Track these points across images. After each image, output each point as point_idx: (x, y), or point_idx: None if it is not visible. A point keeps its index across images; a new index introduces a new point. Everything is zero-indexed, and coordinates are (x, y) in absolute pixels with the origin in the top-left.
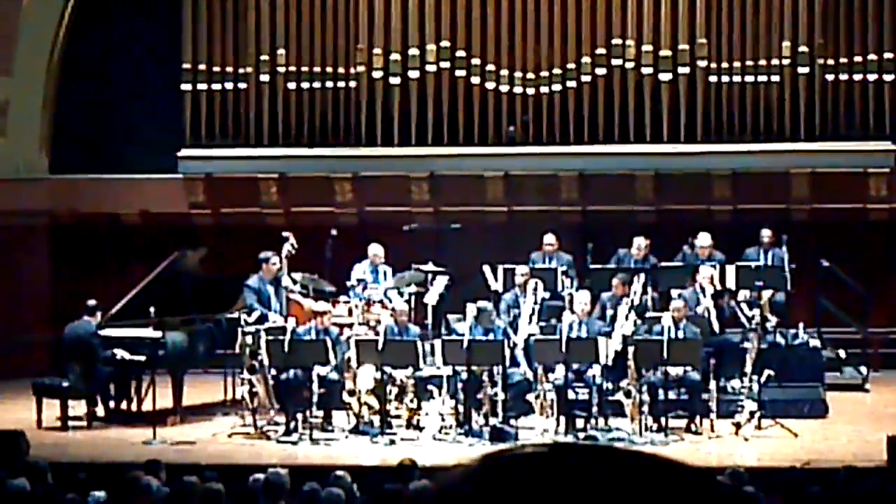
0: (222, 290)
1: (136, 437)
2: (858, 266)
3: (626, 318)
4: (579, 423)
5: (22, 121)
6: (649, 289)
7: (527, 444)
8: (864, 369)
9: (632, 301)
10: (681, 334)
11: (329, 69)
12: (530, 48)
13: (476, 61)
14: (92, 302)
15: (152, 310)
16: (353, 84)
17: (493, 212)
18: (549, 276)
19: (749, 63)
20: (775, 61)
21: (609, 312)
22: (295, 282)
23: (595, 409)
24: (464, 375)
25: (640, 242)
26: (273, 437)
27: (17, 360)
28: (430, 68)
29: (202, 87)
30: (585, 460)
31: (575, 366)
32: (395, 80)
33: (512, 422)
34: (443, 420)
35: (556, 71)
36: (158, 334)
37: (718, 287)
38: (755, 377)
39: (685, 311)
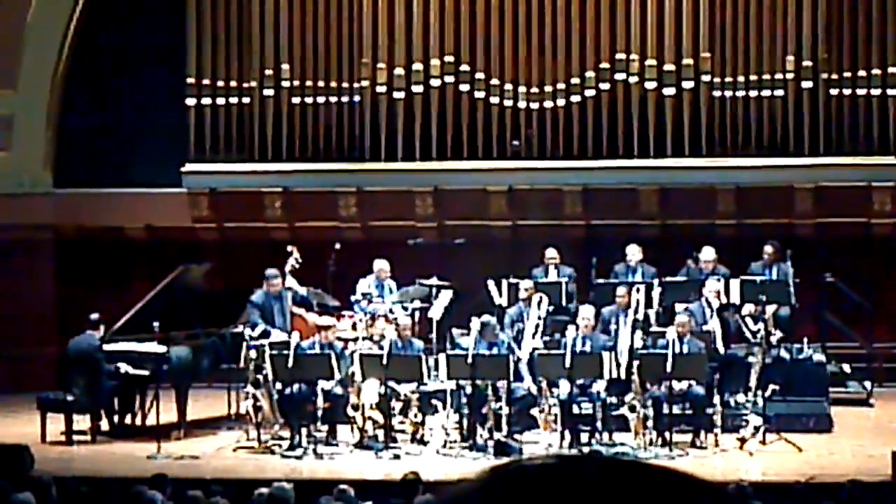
0: (226, 305)
1: (140, 452)
2: (863, 280)
3: (634, 329)
4: (584, 437)
5: (26, 135)
6: (654, 303)
7: (534, 457)
8: (868, 384)
9: (635, 312)
10: (685, 349)
11: (333, 84)
12: (534, 63)
13: (480, 76)
14: (94, 315)
15: (156, 324)
16: (357, 98)
17: (497, 226)
18: (553, 290)
19: (753, 77)
20: (779, 75)
21: (613, 327)
22: (299, 295)
23: (599, 423)
24: (468, 390)
25: (632, 250)
26: (277, 451)
27: (22, 375)
28: (434, 83)
29: (206, 101)
30: (592, 472)
31: (579, 380)
32: (399, 95)
33: (516, 436)
34: (447, 434)
35: (560, 85)
36: (163, 349)
37: (724, 301)
38: (760, 392)
39: (689, 325)
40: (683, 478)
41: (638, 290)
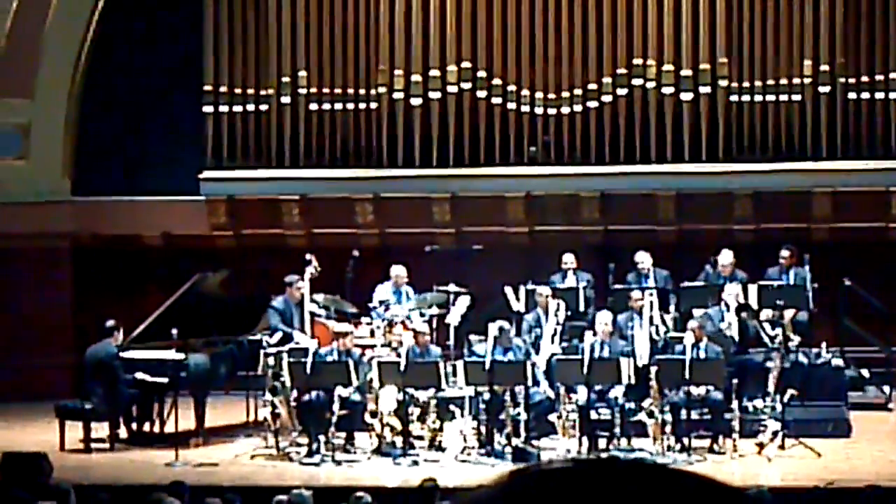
0: (244, 312)
1: (158, 459)
2: (881, 285)
3: (655, 326)
4: (602, 443)
5: (44, 143)
6: (671, 307)
7: (553, 460)
8: (887, 388)
9: (651, 317)
10: (703, 354)
11: (350, 90)
12: (551, 68)
13: (497, 82)
14: (110, 322)
15: (174, 332)
16: (374, 105)
17: (515, 232)
18: (570, 295)
19: (770, 82)
20: (796, 80)
21: (629, 332)
22: (319, 304)
23: (618, 429)
24: (486, 396)
25: (641, 256)
26: (295, 458)
27: (40, 383)
28: (452, 89)
29: (224, 108)
30: (610, 475)
31: (597, 386)
32: (416, 101)
33: (534, 442)
34: (465, 441)
35: (577, 91)
36: (181, 356)
37: (742, 301)
38: (778, 397)
39: (701, 332)
40: (702, 480)
41: (652, 294)
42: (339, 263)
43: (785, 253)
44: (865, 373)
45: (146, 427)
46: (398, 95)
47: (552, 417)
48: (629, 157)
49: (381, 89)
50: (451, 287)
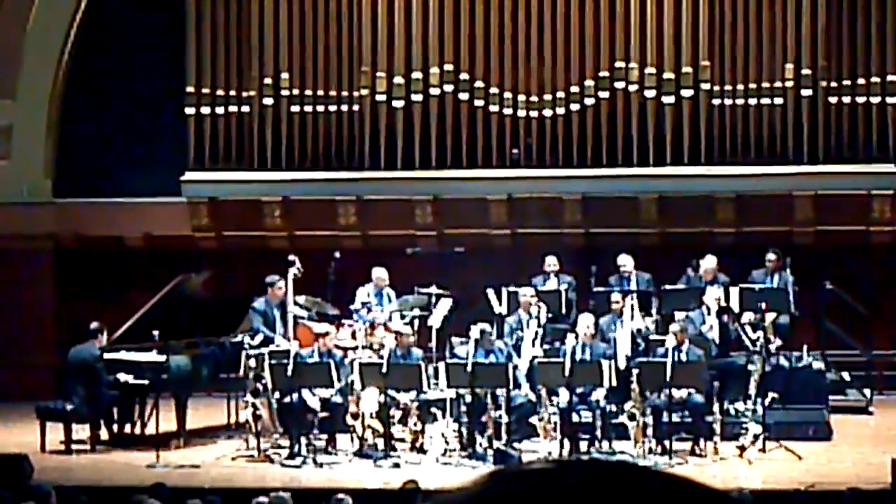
0: (226, 314)
1: (139, 461)
2: (862, 288)
3: (633, 337)
4: (583, 445)
5: (26, 144)
6: (653, 310)
7: (533, 461)
8: (868, 392)
9: (632, 318)
10: (684, 357)
11: (332, 92)
12: (534, 71)
13: (479, 84)
14: (94, 324)
15: (156, 333)
16: (356, 107)
17: (497, 235)
18: (552, 298)
19: (752, 85)
20: (778, 84)
21: (611, 335)
22: (301, 306)
23: (599, 431)
24: (467, 398)
25: (623, 260)
26: (276, 460)
27: (21, 384)
28: (434, 91)
29: (206, 110)
30: (591, 475)
31: (579, 389)
32: (398, 103)
33: (516, 445)
34: (446, 443)
35: (560, 94)
36: (162, 358)
37: (724, 304)
38: (759, 400)
39: (683, 335)
40: (683, 481)
41: (632, 298)
42: (321, 265)
43: (771, 256)
44: (846, 376)
45: (127, 428)
46: (381, 97)
47: (533, 420)
48: (611, 160)
49: (364, 91)
50: (433, 289)
